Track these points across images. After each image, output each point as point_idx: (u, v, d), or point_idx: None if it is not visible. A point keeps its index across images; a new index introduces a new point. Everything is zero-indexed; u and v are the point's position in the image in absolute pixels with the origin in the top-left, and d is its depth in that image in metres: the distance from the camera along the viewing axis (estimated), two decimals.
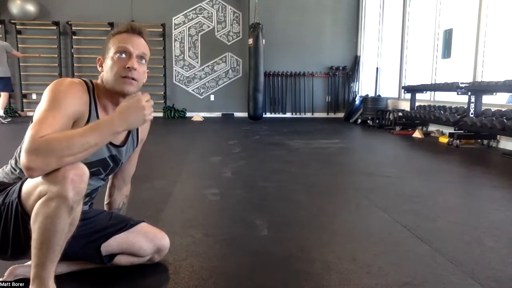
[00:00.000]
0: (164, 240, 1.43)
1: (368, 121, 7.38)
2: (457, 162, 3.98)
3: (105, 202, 1.55)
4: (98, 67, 1.27)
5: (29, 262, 1.18)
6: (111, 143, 1.29)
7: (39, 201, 1.03)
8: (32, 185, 1.07)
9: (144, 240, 1.37)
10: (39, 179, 1.03)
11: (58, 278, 1.16)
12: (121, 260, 1.38)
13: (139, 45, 1.23)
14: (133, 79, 1.21)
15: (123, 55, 1.21)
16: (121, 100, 1.24)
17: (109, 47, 1.23)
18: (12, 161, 1.31)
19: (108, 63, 1.23)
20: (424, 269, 1.46)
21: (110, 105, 1.27)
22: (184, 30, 8.84)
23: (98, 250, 1.31)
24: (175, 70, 8.92)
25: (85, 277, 1.36)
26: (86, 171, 1.05)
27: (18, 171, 1.27)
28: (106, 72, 1.23)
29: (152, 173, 3.04)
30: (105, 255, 1.33)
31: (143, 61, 1.25)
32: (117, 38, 1.23)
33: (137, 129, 1.42)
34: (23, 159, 0.98)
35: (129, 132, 1.37)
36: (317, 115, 9.13)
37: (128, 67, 1.20)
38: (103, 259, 1.33)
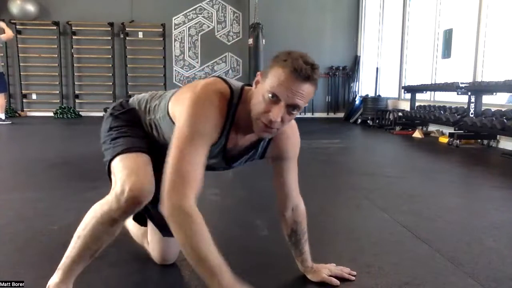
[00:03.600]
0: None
1: (368, 121, 7.38)
2: (457, 162, 3.98)
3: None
4: (255, 83, 1.07)
5: None
6: (223, 157, 1.17)
7: (101, 202, 1.13)
8: (118, 168, 1.13)
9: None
10: (123, 169, 1.11)
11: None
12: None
13: (297, 94, 0.99)
14: (272, 128, 1.04)
15: (274, 99, 1.00)
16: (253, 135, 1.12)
17: (269, 73, 1.02)
18: (144, 104, 1.31)
19: (259, 95, 1.03)
20: (424, 269, 1.45)
21: (244, 128, 1.11)
22: (184, 30, 8.84)
23: None
24: (175, 70, 8.91)
25: (85, 276, 1.36)
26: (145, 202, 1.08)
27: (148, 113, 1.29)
28: (254, 102, 1.05)
29: None
30: None
31: (296, 110, 1.02)
32: (280, 73, 0.99)
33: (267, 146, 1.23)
34: (162, 198, 0.98)
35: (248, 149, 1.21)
36: (317, 115, 9.12)
37: (270, 117, 1.01)
38: None
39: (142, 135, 1.26)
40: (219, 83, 1.09)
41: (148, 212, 1.31)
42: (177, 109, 1.11)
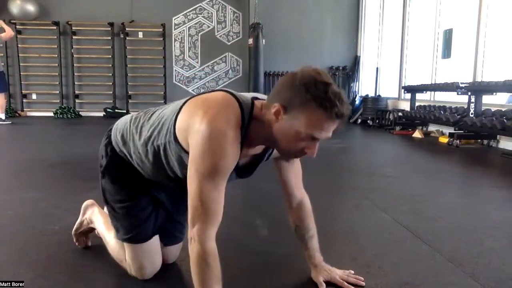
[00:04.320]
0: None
1: (368, 121, 7.38)
2: (457, 162, 3.98)
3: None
4: (272, 112, 1.01)
5: None
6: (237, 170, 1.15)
7: (118, 251, 1.35)
8: (129, 254, 1.30)
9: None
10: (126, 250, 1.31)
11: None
12: None
13: (331, 131, 1.01)
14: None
15: (313, 141, 1.02)
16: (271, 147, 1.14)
17: (302, 114, 0.98)
18: (134, 131, 1.25)
19: (289, 131, 1.01)
20: (424, 269, 1.45)
21: (255, 142, 1.11)
22: (184, 30, 8.84)
23: None
24: (175, 70, 8.91)
25: (85, 275, 1.36)
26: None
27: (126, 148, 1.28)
28: (282, 135, 1.03)
29: None
30: None
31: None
32: (320, 119, 0.97)
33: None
34: (189, 231, 1.04)
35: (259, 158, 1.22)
36: None
37: (305, 153, 1.04)
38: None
39: (137, 197, 1.29)
40: (230, 106, 1.04)
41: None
42: (190, 135, 1.04)
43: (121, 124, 1.32)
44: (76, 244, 1.57)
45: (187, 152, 1.06)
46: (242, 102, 1.05)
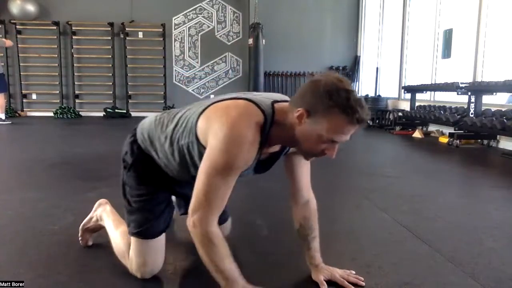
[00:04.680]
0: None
1: (368, 121, 7.37)
2: (457, 162, 3.98)
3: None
4: (295, 116, 1.07)
5: None
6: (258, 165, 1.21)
7: (124, 242, 1.39)
8: (134, 250, 1.33)
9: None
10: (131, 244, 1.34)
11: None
12: None
13: (350, 134, 1.09)
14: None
15: (333, 143, 1.09)
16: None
17: (324, 118, 1.04)
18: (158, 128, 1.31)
19: (311, 133, 1.07)
20: (424, 269, 1.45)
21: (275, 142, 1.17)
22: (184, 30, 8.84)
23: None
24: (175, 70, 8.92)
25: (85, 275, 1.36)
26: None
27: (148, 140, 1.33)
28: (304, 137, 1.09)
29: None
30: None
31: None
32: (342, 123, 1.03)
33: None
34: (188, 219, 1.09)
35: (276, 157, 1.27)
36: None
37: (325, 154, 1.11)
38: None
39: (155, 192, 1.34)
40: (253, 111, 1.09)
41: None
42: (210, 134, 1.10)
43: (146, 124, 1.37)
44: (79, 239, 1.59)
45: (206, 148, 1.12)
46: (264, 109, 1.11)
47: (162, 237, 1.35)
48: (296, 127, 1.09)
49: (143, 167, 1.34)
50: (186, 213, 1.33)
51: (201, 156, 1.15)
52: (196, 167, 1.20)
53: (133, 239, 1.33)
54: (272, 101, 1.15)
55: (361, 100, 1.03)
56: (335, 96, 1.01)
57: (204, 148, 1.13)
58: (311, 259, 1.36)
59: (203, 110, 1.16)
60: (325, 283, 1.30)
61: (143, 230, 1.31)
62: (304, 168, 1.34)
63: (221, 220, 1.46)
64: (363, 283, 1.32)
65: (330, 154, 1.10)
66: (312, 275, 1.35)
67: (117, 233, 1.43)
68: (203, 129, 1.13)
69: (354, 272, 1.36)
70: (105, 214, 1.55)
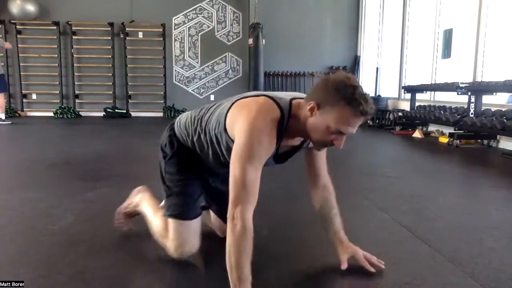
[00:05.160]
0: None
1: (368, 121, 7.37)
2: (457, 162, 3.98)
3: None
4: (308, 109, 1.19)
5: None
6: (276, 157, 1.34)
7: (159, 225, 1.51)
8: (172, 231, 1.44)
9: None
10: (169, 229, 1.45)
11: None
12: None
13: (356, 127, 1.18)
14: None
15: (340, 134, 1.19)
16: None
17: (332, 110, 1.15)
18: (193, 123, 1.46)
19: (320, 125, 1.18)
20: (424, 269, 1.46)
21: (294, 135, 1.29)
22: (184, 30, 8.84)
23: None
24: (175, 70, 8.92)
25: (85, 275, 1.36)
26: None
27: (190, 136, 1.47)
28: (314, 129, 1.20)
29: (151, 172, 3.04)
30: None
31: None
32: (348, 115, 1.14)
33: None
34: (229, 211, 1.17)
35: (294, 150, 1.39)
36: None
37: (333, 144, 1.21)
38: None
39: (193, 178, 1.49)
40: (270, 108, 1.22)
41: (209, 204, 1.62)
42: (235, 128, 1.24)
43: (183, 119, 1.53)
44: (116, 223, 1.71)
45: (232, 140, 1.27)
46: (281, 105, 1.23)
47: (198, 220, 1.47)
48: (308, 119, 1.21)
49: (182, 157, 1.49)
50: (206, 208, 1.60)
51: (227, 144, 1.32)
52: (224, 155, 1.37)
53: (171, 222, 1.44)
54: (291, 98, 1.27)
55: (366, 95, 1.14)
56: (343, 91, 1.13)
57: (231, 138, 1.28)
58: (335, 234, 1.47)
59: (231, 105, 1.30)
60: (346, 263, 1.41)
61: (182, 212, 1.44)
62: (322, 157, 1.48)
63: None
64: (383, 267, 1.40)
65: (338, 144, 1.20)
66: (337, 250, 1.45)
67: (157, 217, 1.56)
68: (230, 122, 1.28)
69: (375, 258, 1.43)
70: (144, 200, 1.68)
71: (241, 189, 1.16)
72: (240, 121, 1.21)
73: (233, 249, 1.15)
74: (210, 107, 1.45)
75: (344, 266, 1.40)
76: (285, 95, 1.29)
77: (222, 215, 1.56)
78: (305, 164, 1.49)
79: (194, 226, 1.46)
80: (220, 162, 1.43)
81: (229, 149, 1.31)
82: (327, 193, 1.49)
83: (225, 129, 1.30)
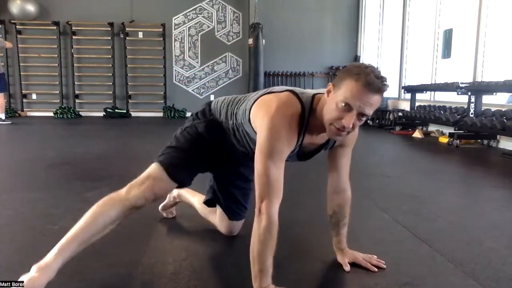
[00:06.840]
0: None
1: (368, 121, 7.37)
2: (457, 162, 3.98)
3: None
4: (326, 92, 1.21)
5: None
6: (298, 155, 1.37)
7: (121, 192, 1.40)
8: (150, 173, 1.43)
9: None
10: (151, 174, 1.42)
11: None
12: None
13: (367, 104, 1.13)
14: (343, 131, 1.19)
15: (347, 108, 1.14)
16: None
17: (342, 85, 1.15)
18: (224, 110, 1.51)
19: (332, 104, 1.17)
20: (424, 269, 1.45)
21: (317, 131, 1.29)
22: (184, 30, 8.85)
23: None
24: (175, 70, 8.92)
25: (85, 275, 1.36)
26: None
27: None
28: (326, 109, 1.19)
29: None
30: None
31: (364, 117, 1.17)
32: (353, 85, 1.12)
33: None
34: (256, 206, 1.20)
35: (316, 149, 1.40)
36: None
37: (343, 125, 1.16)
38: None
39: (199, 153, 1.49)
40: (291, 103, 1.24)
41: (218, 200, 1.69)
42: (257, 124, 1.29)
43: (219, 101, 1.55)
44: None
45: (255, 132, 1.31)
46: (303, 99, 1.25)
47: (172, 185, 1.45)
48: (325, 105, 1.20)
49: (211, 127, 1.51)
50: (233, 219, 1.71)
51: (247, 133, 1.39)
52: (247, 142, 1.43)
53: (155, 167, 1.43)
54: (315, 93, 1.29)
55: (375, 70, 1.14)
56: (355, 69, 1.15)
57: (252, 128, 1.33)
58: (338, 243, 1.50)
59: (257, 99, 1.33)
60: (348, 265, 1.44)
61: (166, 165, 1.42)
62: (345, 159, 1.46)
63: (238, 216, 1.70)
64: (384, 266, 1.43)
65: (346, 123, 1.14)
66: (338, 257, 1.49)
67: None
68: (253, 115, 1.32)
69: (376, 256, 1.47)
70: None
71: (264, 184, 1.19)
72: (261, 117, 1.24)
73: (257, 242, 1.18)
74: (240, 98, 1.48)
75: (347, 268, 1.43)
76: (310, 90, 1.31)
77: (230, 211, 1.68)
78: (327, 164, 1.49)
79: (171, 187, 1.46)
80: (244, 148, 1.47)
81: (251, 138, 1.39)
82: (343, 201, 1.49)
83: (249, 120, 1.35)
